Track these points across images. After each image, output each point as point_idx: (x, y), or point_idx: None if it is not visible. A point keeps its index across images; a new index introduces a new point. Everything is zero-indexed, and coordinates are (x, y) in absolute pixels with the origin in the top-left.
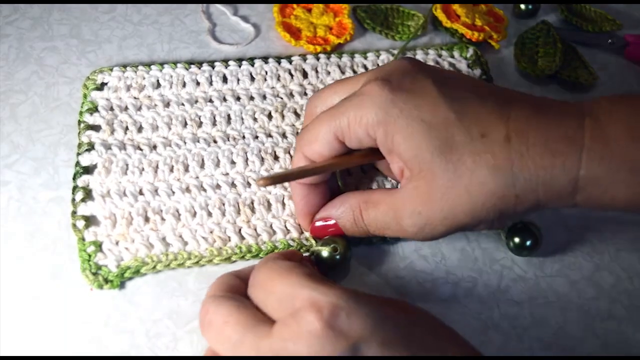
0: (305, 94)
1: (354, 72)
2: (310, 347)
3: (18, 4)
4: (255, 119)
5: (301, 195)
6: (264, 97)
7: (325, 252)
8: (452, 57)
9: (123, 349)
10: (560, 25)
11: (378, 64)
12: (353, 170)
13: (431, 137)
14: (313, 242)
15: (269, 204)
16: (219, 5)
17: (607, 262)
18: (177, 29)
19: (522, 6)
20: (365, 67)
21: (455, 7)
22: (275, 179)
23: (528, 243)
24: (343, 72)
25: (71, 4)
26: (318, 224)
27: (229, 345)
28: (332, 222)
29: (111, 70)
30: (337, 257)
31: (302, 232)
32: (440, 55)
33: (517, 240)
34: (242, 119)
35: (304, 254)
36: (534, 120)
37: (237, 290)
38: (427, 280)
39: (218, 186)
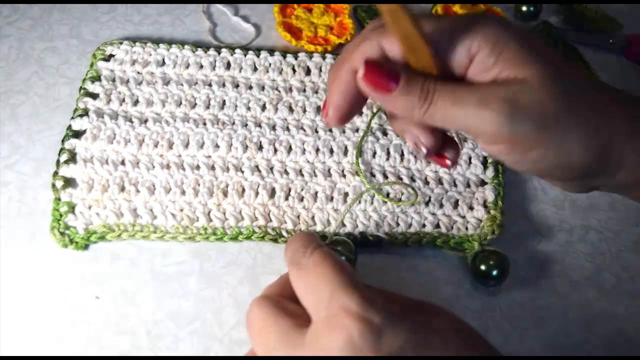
0: (304, 90)
1: None
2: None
3: (18, 4)
4: (248, 108)
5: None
6: (262, 88)
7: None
8: None
9: (124, 349)
10: (561, 26)
11: None
12: None
13: (540, 53)
14: (278, 231)
15: (243, 190)
16: (219, 6)
17: (609, 263)
18: (178, 29)
19: (524, 8)
20: None
21: (456, 8)
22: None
23: (494, 272)
24: None
25: (71, 4)
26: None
27: (265, 349)
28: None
29: (121, 43)
30: (343, 257)
31: (269, 221)
32: None
33: (482, 268)
34: (236, 106)
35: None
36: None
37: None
38: (428, 280)
39: (197, 167)
